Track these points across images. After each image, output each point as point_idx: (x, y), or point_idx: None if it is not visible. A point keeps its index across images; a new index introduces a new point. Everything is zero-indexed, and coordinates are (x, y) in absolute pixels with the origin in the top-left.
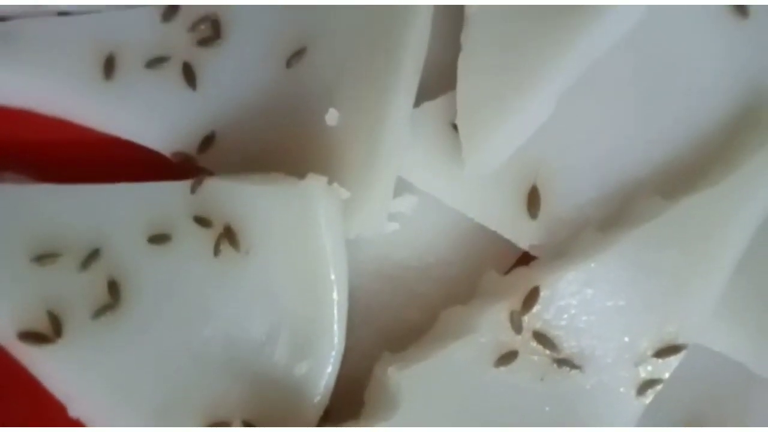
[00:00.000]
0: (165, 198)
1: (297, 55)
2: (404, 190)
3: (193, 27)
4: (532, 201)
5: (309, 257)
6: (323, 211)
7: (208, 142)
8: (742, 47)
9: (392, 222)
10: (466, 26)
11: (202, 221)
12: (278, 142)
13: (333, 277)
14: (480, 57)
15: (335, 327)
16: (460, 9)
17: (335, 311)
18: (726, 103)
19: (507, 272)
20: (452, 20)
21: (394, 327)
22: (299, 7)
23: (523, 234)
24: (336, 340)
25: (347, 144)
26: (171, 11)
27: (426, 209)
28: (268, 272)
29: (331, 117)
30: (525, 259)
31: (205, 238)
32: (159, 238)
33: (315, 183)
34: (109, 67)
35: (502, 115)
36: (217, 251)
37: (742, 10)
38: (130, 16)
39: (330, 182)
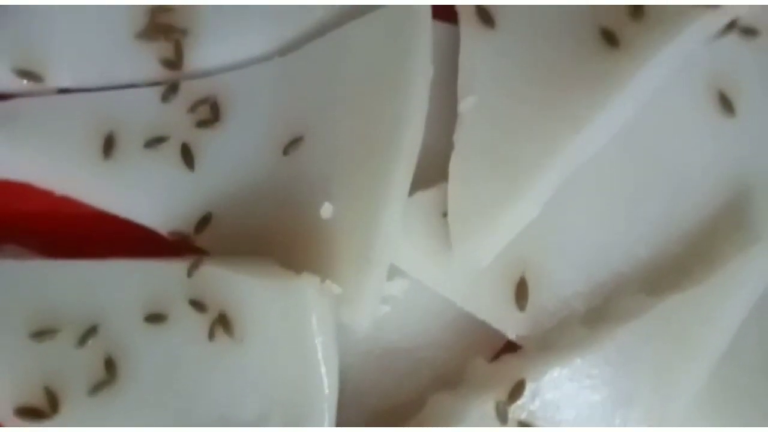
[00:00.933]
0: (162, 278)
1: (294, 144)
2: (396, 274)
3: (193, 108)
4: (520, 293)
5: (301, 352)
6: (315, 311)
7: (204, 222)
8: (729, 146)
9: (383, 305)
10: (459, 125)
11: (197, 305)
12: (274, 228)
13: (324, 372)
14: (471, 158)
15: (326, 417)
16: (454, 99)
17: (325, 404)
18: (711, 201)
19: (495, 357)
20: (446, 111)
21: (383, 408)
22: (299, 95)
23: (511, 324)
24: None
25: (342, 237)
26: (171, 91)
27: (416, 293)
28: (261, 362)
29: (326, 211)
30: (513, 344)
31: (201, 321)
32: (155, 318)
33: (308, 283)
34: (108, 145)
35: (491, 216)
36: (211, 336)
37: (729, 108)
38: (130, 95)
39: (323, 278)
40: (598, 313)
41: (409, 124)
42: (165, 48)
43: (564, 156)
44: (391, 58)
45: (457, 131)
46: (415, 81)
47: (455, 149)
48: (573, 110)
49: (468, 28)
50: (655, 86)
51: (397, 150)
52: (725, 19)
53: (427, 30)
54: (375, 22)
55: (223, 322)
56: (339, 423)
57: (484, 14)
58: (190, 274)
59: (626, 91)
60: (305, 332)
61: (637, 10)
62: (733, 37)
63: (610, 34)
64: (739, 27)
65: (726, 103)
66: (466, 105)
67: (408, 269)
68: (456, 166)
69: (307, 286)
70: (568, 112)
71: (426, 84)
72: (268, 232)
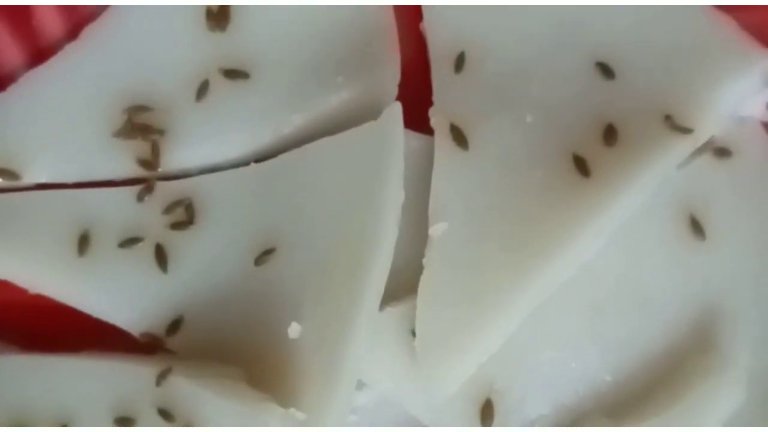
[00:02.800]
0: (132, 382)
1: (266, 255)
2: (364, 384)
3: (168, 209)
4: (486, 414)
5: None
6: None
7: (176, 325)
8: (697, 269)
9: (351, 414)
10: (429, 248)
11: (165, 414)
12: (243, 339)
13: None
14: (440, 283)
15: None
16: (425, 215)
17: None
18: (678, 325)
19: None
20: (417, 227)
21: None
22: (272, 205)
23: None
24: None
25: (308, 360)
26: (146, 191)
27: (383, 403)
28: None
29: (293, 331)
30: None
31: (168, 430)
32: (124, 421)
33: (272, 411)
34: (83, 244)
35: (460, 344)
36: None
37: (699, 231)
38: (106, 194)
39: (288, 404)
40: None
41: (379, 252)
42: (142, 147)
43: (534, 286)
44: (363, 182)
45: (427, 254)
46: (387, 207)
47: (425, 272)
48: (544, 241)
49: (442, 146)
50: (627, 215)
51: (367, 277)
52: (699, 143)
53: (399, 156)
54: (349, 143)
55: None
56: None
57: (458, 134)
58: (158, 383)
59: (597, 223)
60: None
61: (609, 134)
62: (705, 158)
63: (582, 162)
64: (712, 148)
65: (696, 226)
66: (436, 230)
67: (374, 384)
68: (425, 290)
69: (270, 414)
70: (538, 243)
71: (397, 210)
72: (237, 342)
